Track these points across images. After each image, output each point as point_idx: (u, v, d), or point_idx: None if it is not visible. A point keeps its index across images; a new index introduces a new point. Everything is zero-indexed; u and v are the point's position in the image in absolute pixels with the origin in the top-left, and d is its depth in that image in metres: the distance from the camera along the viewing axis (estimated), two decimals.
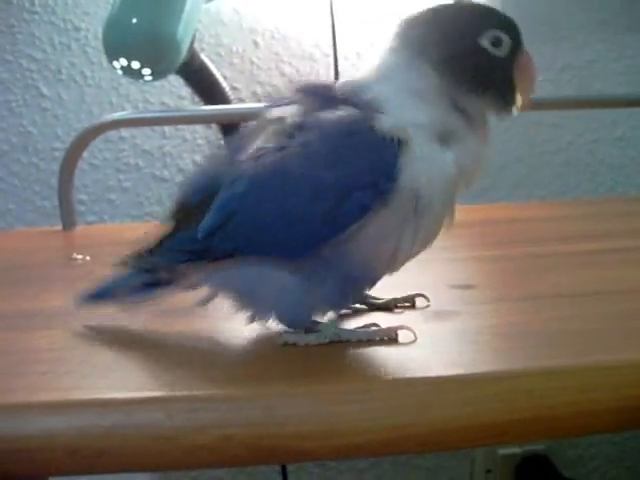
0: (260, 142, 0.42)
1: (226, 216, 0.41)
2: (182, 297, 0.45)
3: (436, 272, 0.54)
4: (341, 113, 0.40)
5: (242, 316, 0.42)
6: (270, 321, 0.42)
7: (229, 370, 0.37)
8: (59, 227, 0.87)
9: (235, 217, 0.41)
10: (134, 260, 0.45)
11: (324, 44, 1.02)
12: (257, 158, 0.41)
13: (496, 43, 0.41)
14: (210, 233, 0.42)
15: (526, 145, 1.10)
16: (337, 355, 0.38)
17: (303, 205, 0.39)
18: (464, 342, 0.39)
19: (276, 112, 0.42)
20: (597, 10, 1.08)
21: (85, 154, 0.98)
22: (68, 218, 0.86)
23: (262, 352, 0.40)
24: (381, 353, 0.38)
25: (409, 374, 0.35)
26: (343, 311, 0.45)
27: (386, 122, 0.39)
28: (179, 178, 1.04)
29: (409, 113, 0.40)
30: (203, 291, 0.44)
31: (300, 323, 0.41)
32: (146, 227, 0.91)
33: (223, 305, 0.46)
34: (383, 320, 0.42)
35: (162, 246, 0.44)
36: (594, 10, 1.08)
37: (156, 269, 0.44)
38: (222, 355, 0.39)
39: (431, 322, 0.42)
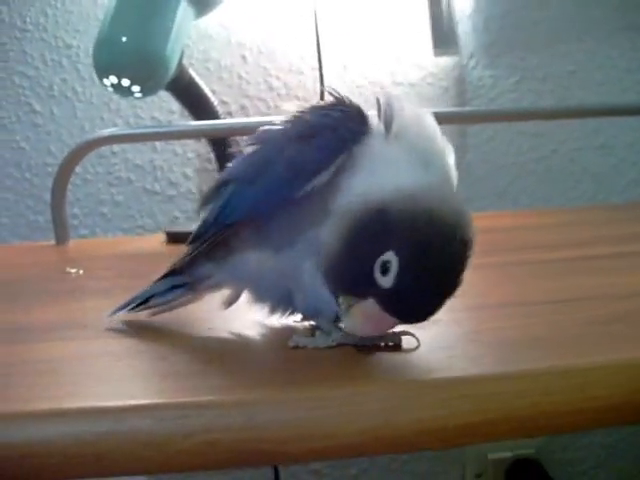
0: None
1: (217, 187, 0.45)
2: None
3: None
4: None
5: (261, 310, 0.45)
6: (290, 313, 0.44)
7: (215, 378, 0.38)
8: (52, 241, 0.89)
9: (226, 189, 0.44)
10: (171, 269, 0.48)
11: (311, 57, 1.04)
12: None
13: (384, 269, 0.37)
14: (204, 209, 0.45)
15: (509, 154, 1.12)
16: (317, 362, 0.40)
17: (274, 158, 0.42)
18: (441, 348, 0.41)
19: None
20: (578, 21, 1.11)
21: (78, 169, 1.00)
22: (61, 232, 0.88)
23: (247, 360, 0.41)
24: (359, 359, 0.40)
25: (385, 379, 0.37)
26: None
27: None
28: (170, 191, 1.06)
29: None
30: (226, 291, 0.46)
31: (324, 310, 0.42)
32: (138, 240, 0.94)
33: (214, 315, 0.48)
34: None
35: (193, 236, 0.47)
36: (575, 21, 1.11)
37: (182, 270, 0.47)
38: (209, 364, 0.41)
39: (410, 329, 0.44)
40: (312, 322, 0.45)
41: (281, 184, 0.41)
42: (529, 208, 1.11)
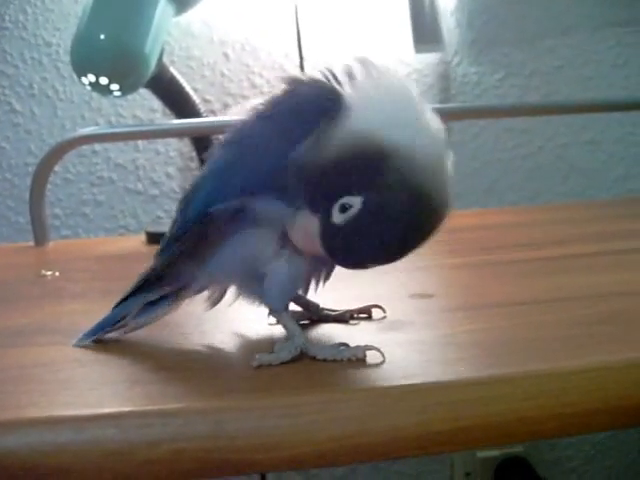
0: None
1: (195, 186, 0.43)
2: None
3: (395, 282, 0.54)
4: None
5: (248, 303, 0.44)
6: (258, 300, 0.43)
7: (183, 385, 0.37)
8: (32, 243, 0.87)
9: (203, 182, 0.43)
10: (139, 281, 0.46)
11: (294, 55, 1.03)
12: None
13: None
14: (181, 211, 0.43)
15: (496, 150, 1.11)
16: (287, 370, 0.39)
17: (254, 139, 0.41)
18: (415, 352, 0.40)
19: None
20: (563, 16, 1.10)
21: (59, 168, 0.99)
22: (40, 233, 0.87)
23: (216, 367, 0.40)
24: (331, 365, 0.39)
25: (358, 385, 0.36)
26: (301, 322, 0.45)
27: None
28: (152, 191, 1.05)
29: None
30: (209, 292, 0.45)
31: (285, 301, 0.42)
32: (119, 240, 0.92)
33: (183, 319, 0.47)
34: (357, 335, 0.42)
35: (161, 248, 0.45)
36: (561, 16, 1.10)
37: (159, 280, 0.45)
38: (176, 370, 0.40)
39: (384, 333, 0.43)
40: (273, 318, 0.44)
41: (263, 164, 0.40)
42: (516, 205, 1.10)
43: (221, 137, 0.43)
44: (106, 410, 0.34)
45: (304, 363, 0.39)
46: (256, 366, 0.39)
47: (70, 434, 0.33)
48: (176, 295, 0.45)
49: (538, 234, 0.75)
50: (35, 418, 0.34)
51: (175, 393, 0.36)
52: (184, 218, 0.43)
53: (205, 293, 0.45)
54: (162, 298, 0.45)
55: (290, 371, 0.38)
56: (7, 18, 1.03)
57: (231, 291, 0.45)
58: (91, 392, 0.37)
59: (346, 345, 0.40)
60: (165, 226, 0.46)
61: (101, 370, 0.41)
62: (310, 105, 0.39)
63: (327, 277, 0.44)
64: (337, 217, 0.37)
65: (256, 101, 0.42)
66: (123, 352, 0.43)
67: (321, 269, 0.44)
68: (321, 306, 0.47)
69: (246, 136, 0.41)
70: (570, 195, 1.13)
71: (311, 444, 0.34)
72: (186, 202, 0.43)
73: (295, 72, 0.40)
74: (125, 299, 0.46)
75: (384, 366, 0.38)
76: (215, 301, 0.45)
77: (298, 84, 0.40)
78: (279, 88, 0.41)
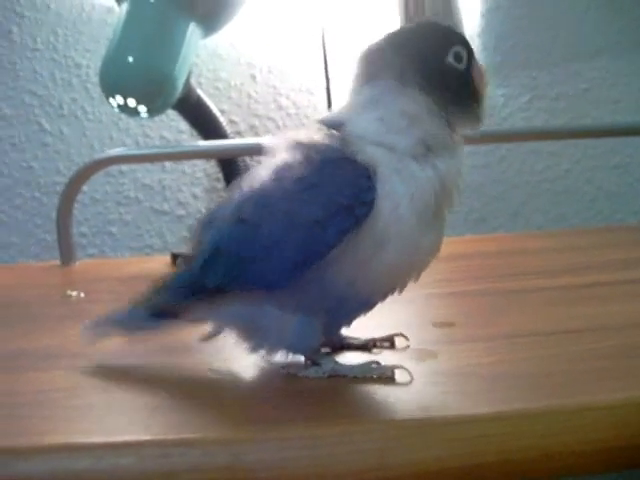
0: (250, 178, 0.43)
1: (213, 251, 0.43)
2: (170, 337, 0.46)
3: (419, 309, 0.54)
4: (314, 144, 0.41)
5: (247, 349, 0.43)
6: (275, 354, 0.43)
7: (201, 414, 0.37)
8: (58, 261, 0.88)
9: (220, 252, 0.42)
10: (140, 300, 0.46)
11: (321, 76, 1.03)
12: (241, 192, 0.42)
13: (458, 58, 0.43)
14: (202, 268, 0.43)
15: (523, 173, 1.10)
16: (307, 399, 0.38)
17: (278, 236, 0.40)
18: (437, 384, 0.39)
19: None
20: (591, 38, 1.09)
21: (86, 188, 1.00)
22: (66, 253, 0.87)
23: (236, 395, 0.40)
24: (350, 396, 0.38)
25: (379, 418, 0.36)
26: (324, 350, 0.45)
27: (359, 150, 0.40)
28: (179, 211, 1.06)
29: (388, 138, 0.41)
30: (208, 326, 0.45)
31: (305, 352, 0.43)
32: (144, 261, 0.93)
33: (204, 345, 0.46)
34: (382, 359, 0.42)
35: (165, 284, 0.45)
36: (588, 39, 1.09)
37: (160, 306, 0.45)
38: (196, 398, 0.40)
39: (407, 363, 0.42)
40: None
41: (290, 263, 0.40)
42: (542, 229, 1.09)
43: (232, 200, 0.43)
44: (124, 438, 0.34)
45: (325, 393, 0.39)
46: (283, 372, 0.41)
47: (87, 462, 0.33)
48: (175, 316, 0.45)
49: (563, 260, 0.74)
50: (51, 445, 0.34)
51: (194, 422, 0.36)
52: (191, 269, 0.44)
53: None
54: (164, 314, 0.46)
55: (311, 400, 0.38)
56: (38, 40, 1.04)
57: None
58: (110, 419, 0.37)
59: (377, 363, 0.41)
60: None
61: (121, 397, 0.41)
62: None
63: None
64: (459, 65, 0.43)
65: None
66: (144, 378, 0.44)
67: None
68: (344, 334, 0.46)
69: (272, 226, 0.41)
70: (597, 219, 1.11)
71: (330, 477, 0.34)
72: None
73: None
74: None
75: (405, 397, 0.38)
76: (210, 337, 0.45)
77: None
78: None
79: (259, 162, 0.44)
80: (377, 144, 0.41)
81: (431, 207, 0.41)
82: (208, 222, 0.45)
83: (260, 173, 0.42)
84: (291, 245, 0.40)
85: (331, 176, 0.40)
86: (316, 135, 0.42)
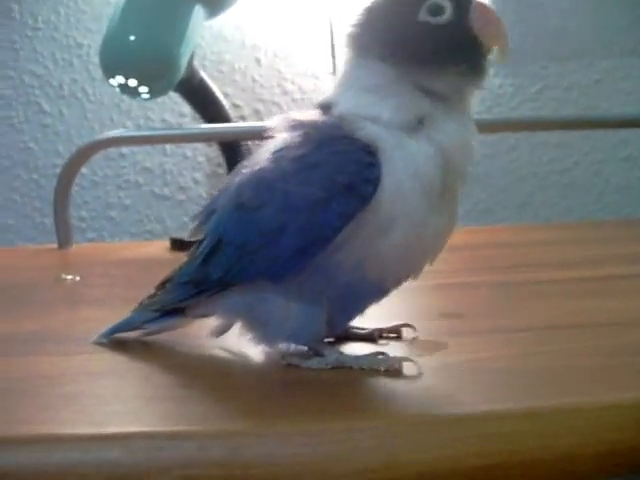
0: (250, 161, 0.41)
1: (215, 243, 0.41)
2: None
3: (427, 299, 0.52)
4: (313, 123, 0.39)
5: (249, 340, 0.41)
6: (277, 345, 0.41)
7: (197, 404, 0.35)
8: (56, 245, 0.86)
9: (222, 243, 0.41)
10: (146, 303, 0.45)
11: (326, 61, 1.01)
12: (240, 176, 0.41)
13: (436, 11, 0.39)
14: (205, 262, 0.41)
15: (531, 165, 1.08)
16: (310, 392, 0.36)
17: (278, 220, 0.38)
18: (446, 378, 0.37)
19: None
20: (603, 30, 1.07)
21: (86, 171, 0.98)
22: (63, 235, 0.86)
23: (234, 386, 0.38)
24: (355, 390, 0.36)
25: (385, 413, 0.34)
26: (328, 339, 0.43)
27: (357, 127, 0.38)
28: (179, 196, 1.04)
29: (373, 112, 0.39)
30: (215, 321, 0.43)
31: (308, 343, 0.40)
32: (142, 246, 0.91)
33: (200, 338, 0.44)
34: (389, 351, 0.40)
35: (172, 280, 0.44)
36: (600, 30, 1.07)
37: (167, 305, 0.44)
38: (192, 388, 0.38)
39: (415, 354, 0.40)
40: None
41: (294, 252, 0.38)
42: (550, 221, 1.07)
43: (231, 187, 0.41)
44: (112, 429, 0.32)
45: (329, 385, 0.37)
46: (284, 363, 0.40)
47: (71, 454, 0.31)
48: (185, 312, 0.44)
49: (570, 253, 0.72)
50: (33, 435, 0.32)
51: (190, 414, 0.34)
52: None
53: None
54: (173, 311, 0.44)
55: (314, 393, 0.36)
56: (39, 19, 1.02)
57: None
58: (98, 409, 0.35)
59: (383, 354, 0.39)
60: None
61: (112, 385, 0.39)
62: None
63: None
64: (439, 19, 0.39)
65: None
66: (138, 366, 0.42)
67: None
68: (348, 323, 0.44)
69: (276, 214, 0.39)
70: (605, 212, 1.09)
71: (333, 476, 0.32)
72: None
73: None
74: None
75: (414, 393, 0.36)
76: (220, 332, 0.43)
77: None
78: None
79: (260, 145, 0.42)
80: (372, 121, 0.38)
81: (436, 183, 0.38)
82: (211, 211, 0.43)
83: (259, 155, 0.41)
84: (293, 230, 0.38)
85: (331, 154, 0.38)
86: (315, 115, 0.40)
